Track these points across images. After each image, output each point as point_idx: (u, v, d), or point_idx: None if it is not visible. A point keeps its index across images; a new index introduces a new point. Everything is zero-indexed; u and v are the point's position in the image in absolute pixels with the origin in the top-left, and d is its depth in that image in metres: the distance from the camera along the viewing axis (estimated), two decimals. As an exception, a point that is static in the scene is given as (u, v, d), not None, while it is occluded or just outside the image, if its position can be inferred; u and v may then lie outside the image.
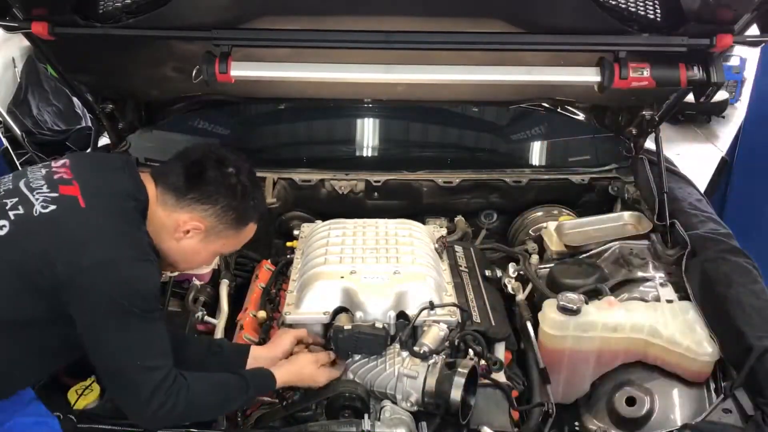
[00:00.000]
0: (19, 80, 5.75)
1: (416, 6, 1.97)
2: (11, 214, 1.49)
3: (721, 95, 7.08)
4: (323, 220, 2.36)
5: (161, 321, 1.56)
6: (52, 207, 1.49)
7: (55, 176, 1.57)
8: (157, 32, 1.95)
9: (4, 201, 1.52)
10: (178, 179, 1.61)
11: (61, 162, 1.63)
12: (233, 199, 1.64)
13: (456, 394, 1.64)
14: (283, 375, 1.72)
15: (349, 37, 1.94)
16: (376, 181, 2.71)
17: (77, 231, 1.48)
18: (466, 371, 1.66)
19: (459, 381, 1.65)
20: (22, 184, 1.55)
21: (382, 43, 1.95)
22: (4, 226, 1.48)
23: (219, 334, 1.96)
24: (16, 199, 1.51)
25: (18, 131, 5.00)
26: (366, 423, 1.63)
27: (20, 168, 2.30)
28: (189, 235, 1.63)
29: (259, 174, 2.66)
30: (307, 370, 1.75)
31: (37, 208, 1.48)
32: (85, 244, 1.46)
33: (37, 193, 1.52)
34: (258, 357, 1.79)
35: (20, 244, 1.47)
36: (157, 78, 2.53)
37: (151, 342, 1.51)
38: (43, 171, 1.60)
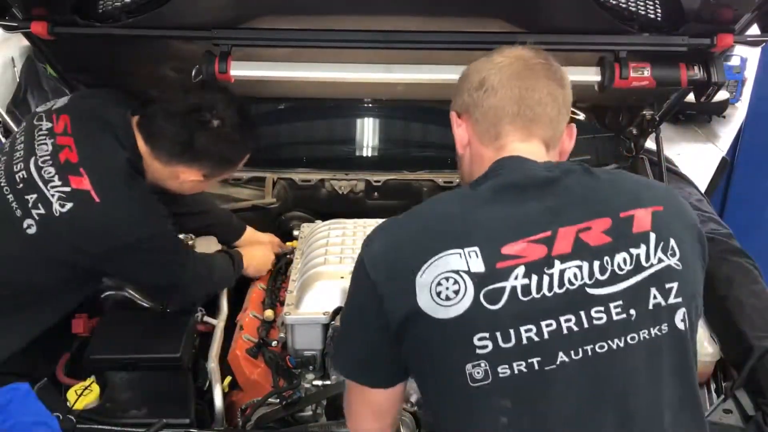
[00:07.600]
0: (18, 80, 5.72)
1: (416, 6, 1.97)
2: (35, 213, 1.65)
3: (722, 95, 7.08)
4: (323, 220, 2.36)
5: (175, 234, 1.95)
6: (69, 205, 1.64)
7: (61, 157, 1.68)
8: (157, 32, 1.95)
9: (26, 197, 1.67)
10: (170, 145, 1.71)
11: (62, 126, 1.75)
12: (226, 151, 1.76)
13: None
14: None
15: (349, 36, 1.94)
16: (376, 181, 2.71)
17: (99, 225, 1.66)
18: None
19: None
20: (33, 171, 1.68)
21: (382, 42, 1.95)
22: (32, 225, 1.65)
23: (218, 334, 1.96)
24: (35, 196, 1.66)
25: (18, 131, 5.00)
26: (366, 423, 1.62)
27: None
28: (189, 180, 1.81)
29: (259, 174, 2.71)
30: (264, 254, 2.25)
31: (56, 207, 1.64)
32: (108, 233, 1.67)
33: (51, 188, 1.65)
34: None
35: (50, 242, 1.66)
36: (157, 77, 2.52)
37: (179, 253, 1.89)
38: (49, 144, 1.72)
